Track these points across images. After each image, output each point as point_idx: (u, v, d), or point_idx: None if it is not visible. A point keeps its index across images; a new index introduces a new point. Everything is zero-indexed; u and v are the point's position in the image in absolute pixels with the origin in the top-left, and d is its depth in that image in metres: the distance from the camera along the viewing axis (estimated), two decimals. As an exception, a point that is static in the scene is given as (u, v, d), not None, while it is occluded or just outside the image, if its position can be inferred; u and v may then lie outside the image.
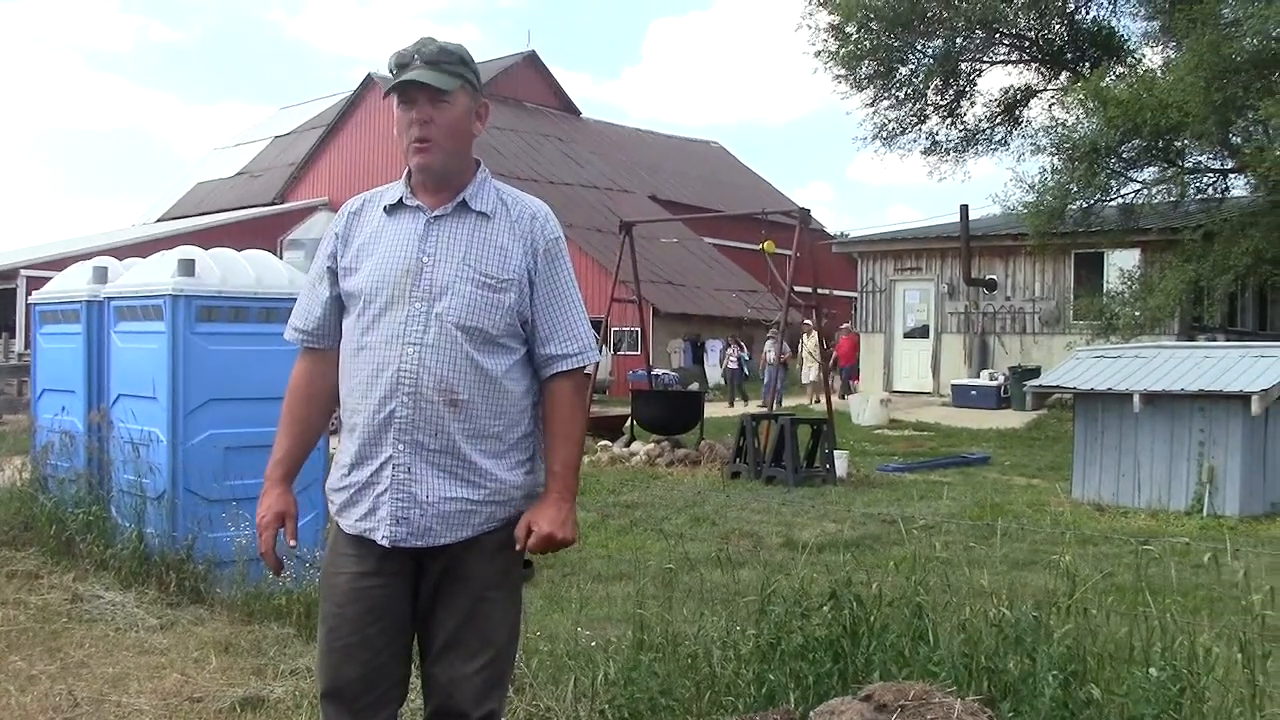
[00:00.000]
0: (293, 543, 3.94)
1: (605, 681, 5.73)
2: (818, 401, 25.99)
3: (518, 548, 3.77)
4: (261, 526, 3.94)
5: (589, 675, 5.89)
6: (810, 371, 33.16)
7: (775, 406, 22.83)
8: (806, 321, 34.39)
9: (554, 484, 3.81)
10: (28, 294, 20.13)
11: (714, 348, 38.14)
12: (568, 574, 10.22)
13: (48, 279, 12.76)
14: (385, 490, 3.74)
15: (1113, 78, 27.04)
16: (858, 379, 35.13)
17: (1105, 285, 28.65)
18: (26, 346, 26.66)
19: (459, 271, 3.74)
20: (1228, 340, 23.90)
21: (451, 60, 3.78)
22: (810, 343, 32.85)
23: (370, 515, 3.77)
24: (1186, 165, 26.08)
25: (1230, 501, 14.88)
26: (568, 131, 59.05)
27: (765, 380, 34.66)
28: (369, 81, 54.35)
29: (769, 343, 35.32)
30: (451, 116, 3.78)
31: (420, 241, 3.78)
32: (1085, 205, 26.56)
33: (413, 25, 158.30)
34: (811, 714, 4.00)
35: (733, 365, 37.34)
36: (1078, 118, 26.07)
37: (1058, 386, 17.14)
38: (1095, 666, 4.86)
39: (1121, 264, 28.15)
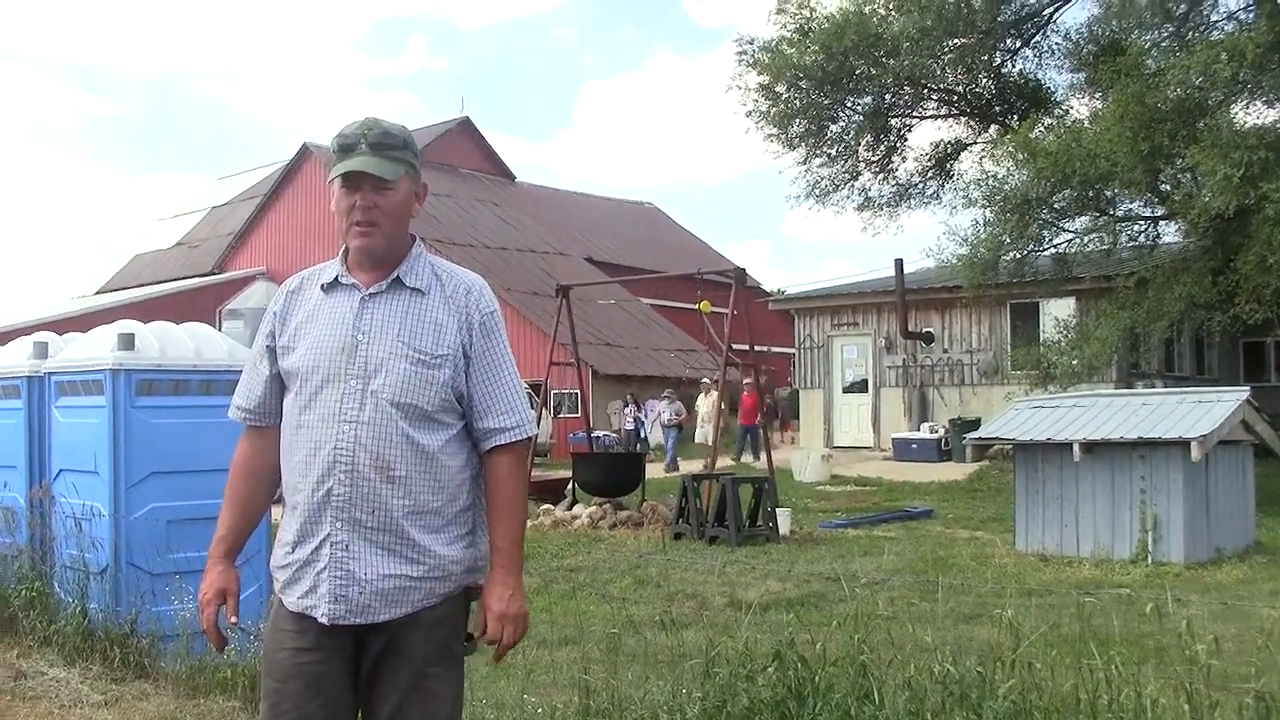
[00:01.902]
0: (234, 619, 3.95)
1: (553, 749, 5.72)
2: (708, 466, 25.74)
3: (475, 634, 3.79)
4: (204, 603, 3.96)
5: (537, 743, 5.88)
6: (707, 432, 32.92)
7: (672, 469, 22.65)
8: (705, 380, 34.41)
9: (498, 559, 3.83)
10: (-37, 371, 19.97)
11: (652, 408, 38.11)
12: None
13: (-14, 354, 12.66)
14: (324, 568, 3.75)
15: (1041, 129, 27.27)
16: (779, 433, 34.88)
17: (1042, 334, 28.82)
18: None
19: (393, 348, 3.77)
20: (1165, 386, 24.09)
21: (396, 145, 3.82)
22: (707, 403, 32.76)
23: (311, 593, 3.77)
24: (1118, 214, 26.22)
25: (1175, 549, 14.94)
26: (502, 196, 59.12)
27: (664, 443, 34.68)
28: (305, 151, 54.36)
29: (664, 402, 35.29)
30: (394, 201, 3.82)
31: (355, 319, 3.81)
32: (1019, 256, 26.68)
33: (348, 93, 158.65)
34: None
35: (629, 426, 37.37)
36: (1008, 169, 26.22)
37: (997, 438, 17.24)
38: (1041, 720, 4.88)
39: (1057, 313, 28.33)
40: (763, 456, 31.42)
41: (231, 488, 4.06)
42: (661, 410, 35.23)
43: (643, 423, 37.74)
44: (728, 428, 31.56)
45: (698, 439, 33.00)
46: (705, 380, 34.38)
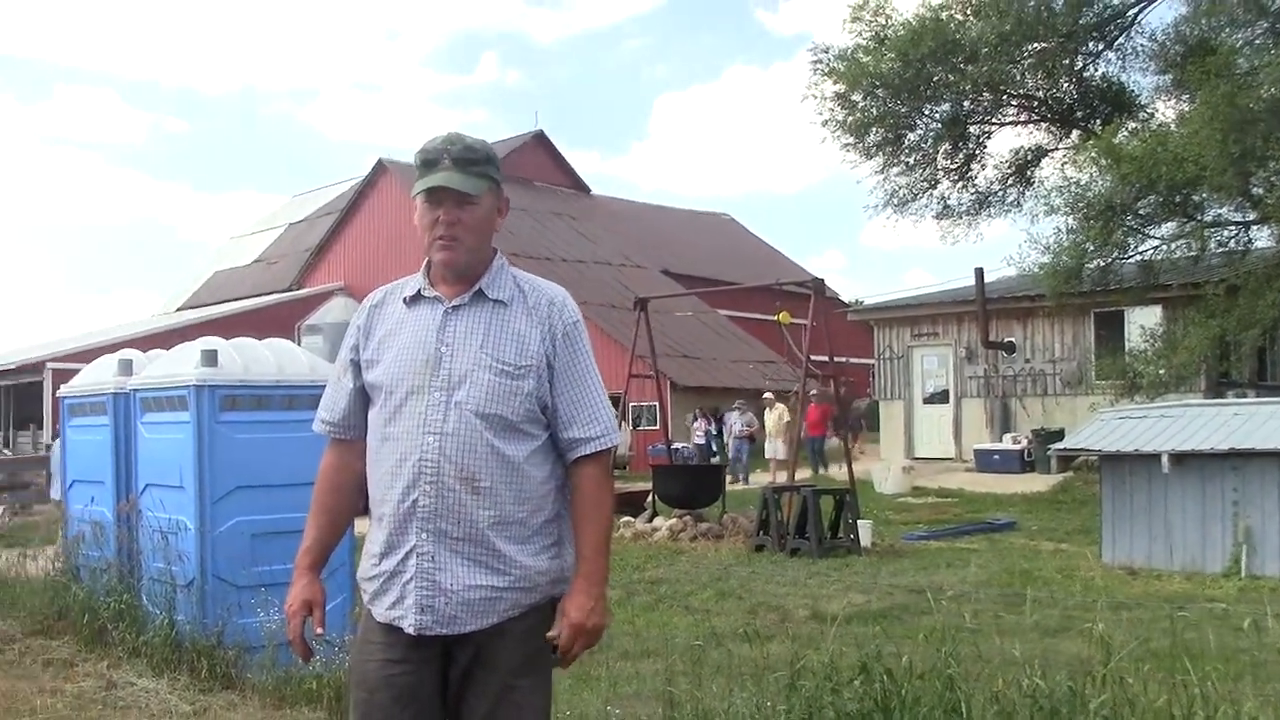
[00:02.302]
0: (319, 630, 3.96)
1: (638, 761, 5.69)
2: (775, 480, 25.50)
3: (551, 635, 3.78)
4: (290, 614, 3.98)
5: (621, 756, 5.85)
6: (775, 447, 32.77)
7: (743, 480, 22.52)
8: (767, 395, 34.22)
9: (582, 568, 3.82)
10: (54, 387, 20.25)
11: (727, 420, 37.96)
12: (595, 652, 10.13)
13: (73, 371, 12.89)
14: (411, 579, 3.75)
15: (1125, 134, 26.85)
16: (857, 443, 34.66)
17: (1127, 344, 28.40)
18: (54, 438, 26.82)
19: (477, 360, 3.77)
20: (1258, 395, 23.67)
21: (479, 160, 3.82)
22: (774, 415, 32.63)
23: (398, 604, 3.78)
24: (1206, 219, 25.82)
25: (1270, 562, 14.63)
26: (578, 209, 59.22)
27: (731, 454, 34.51)
28: (380, 167, 54.65)
29: (735, 414, 35.14)
30: (477, 217, 3.82)
31: (439, 332, 3.81)
32: (1103, 263, 26.38)
33: (422, 110, 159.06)
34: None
35: (699, 440, 37.26)
36: (1091, 176, 25.94)
37: (1083, 449, 17.05)
38: (1135, 736, 4.79)
39: (1143, 321, 27.89)
40: (831, 468, 31.37)
41: (316, 499, 4.09)
42: (733, 422, 35.11)
43: (714, 435, 37.62)
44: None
45: (767, 454, 32.80)
46: (768, 395, 34.20)
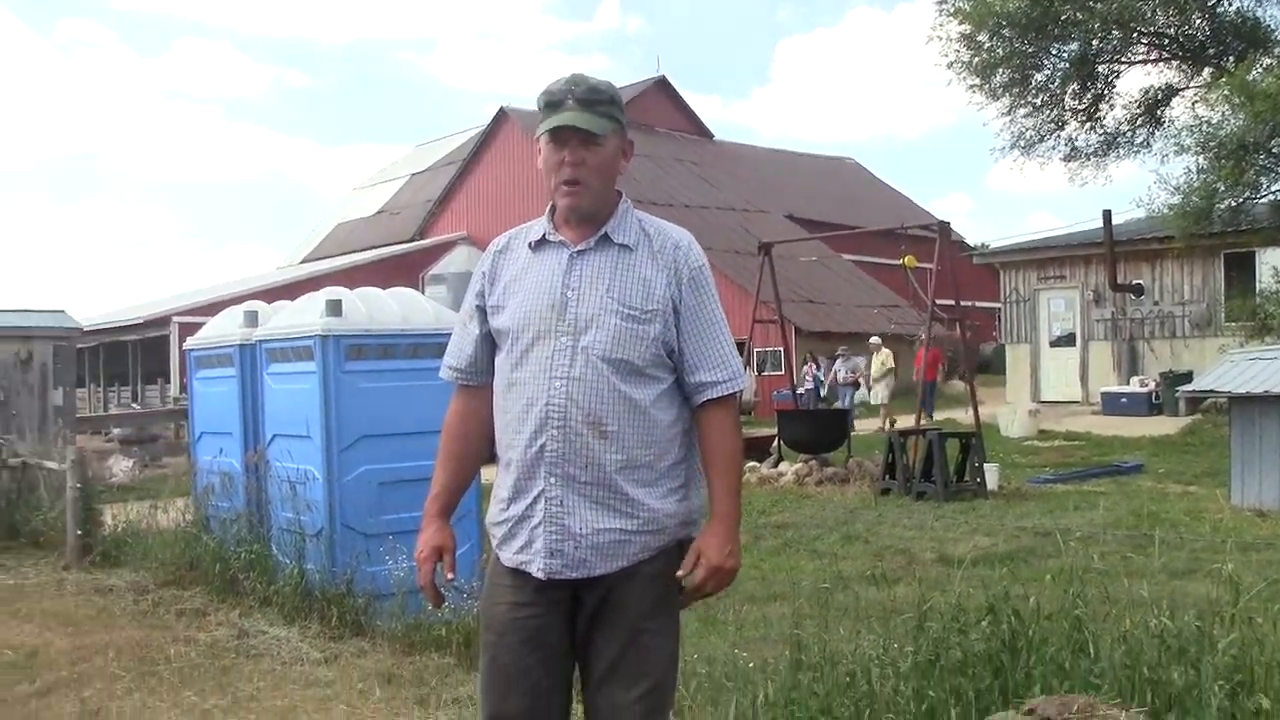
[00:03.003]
0: (450, 576, 4.00)
1: (765, 702, 5.73)
2: (892, 424, 25.25)
3: (681, 575, 3.78)
4: (420, 561, 4.02)
5: (748, 697, 5.89)
6: (879, 392, 32.55)
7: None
8: (873, 339, 33.96)
9: (717, 510, 3.82)
10: (180, 340, 20.62)
11: (855, 365, 37.68)
12: (723, 596, 10.19)
13: (199, 325, 13.09)
14: (539, 523, 3.79)
15: (1259, 71, 26.16)
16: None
17: (1258, 285, 27.92)
18: (182, 391, 27.21)
19: (603, 304, 3.78)
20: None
21: (603, 101, 3.81)
22: (877, 360, 32.39)
23: (527, 548, 3.82)
24: (1343, 157, 25.26)
25: (1398, 500, 14.34)
26: (700, 155, 59.10)
27: (840, 401, 34.34)
28: (502, 115, 54.87)
29: (839, 361, 34.92)
30: (602, 158, 3.82)
31: (564, 276, 3.83)
32: (1234, 204, 25.86)
33: (542, 58, 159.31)
34: (974, 730, 3.97)
35: (808, 385, 37.05)
36: (1223, 114, 25.33)
37: (1212, 391, 16.79)
38: (1264, 676, 4.75)
39: (1275, 262, 27.30)
40: (936, 414, 31.09)
41: (444, 446, 4.12)
42: (838, 368, 34.95)
43: (821, 381, 37.47)
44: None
45: (874, 399, 32.62)
46: (874, 339, 33.98)
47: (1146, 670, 4.85)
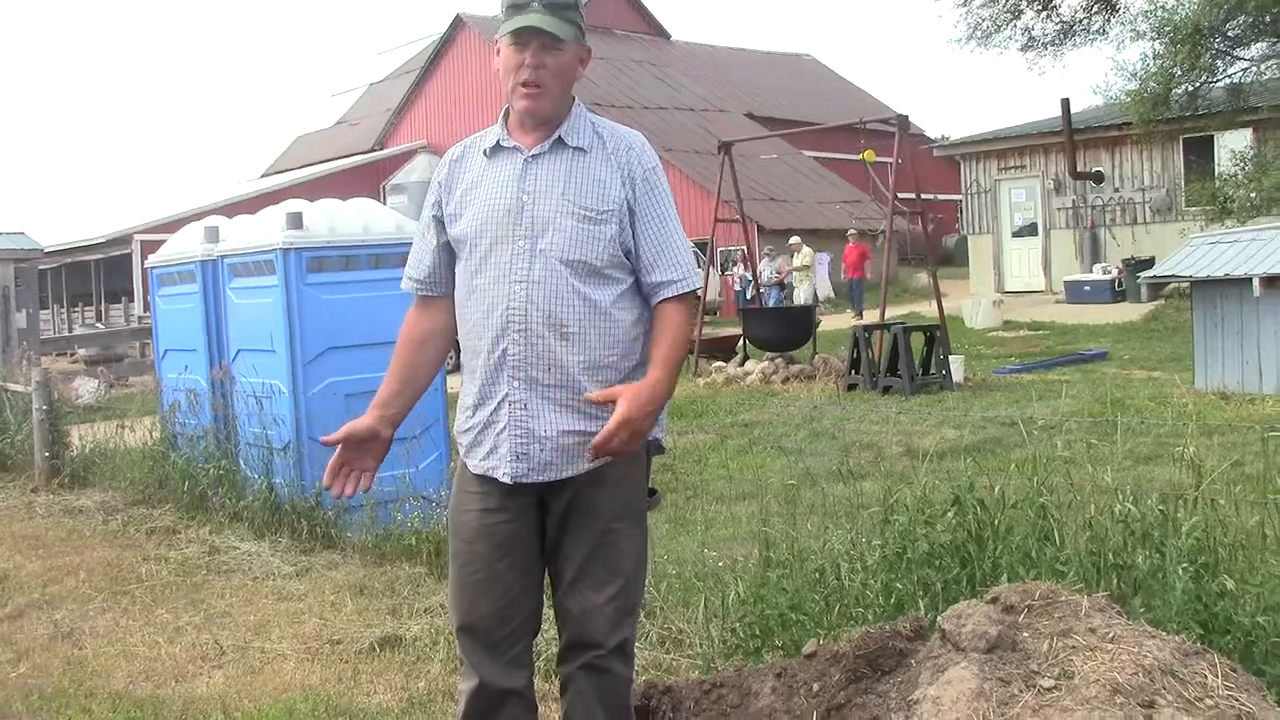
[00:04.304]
0: (326, 439, 4.00)
1: (735, 600, 5.79)
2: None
3: (597, 438, 3.67)
4: (325, 441, 4.03)
5: (719, 595, 5.95)
6: (801, 292, 32.62)
7: None
8: (794, 239, 33.98)
9: (650, 375, 3.75)
10: (143, 258, 20.47)
11: (821, 260, 37.64)
12: (691, 496, 10.26)
13: (160, 242, 12.99)
14: (504, 428, 3.81)
15: (1214, -49, 26.23)
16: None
17: (1217, 169, 27.90)
18: (145, 310, 27.09)
19: (559, 207, 3.78)
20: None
21: (568, 5, 3.78)
22: (799, 260, 32.47)
23: (492, 454, 3.84)
24: (1297, 38, 25.23)
25: (1361, 380, 14.46)
26: (659, 55, 58.64)
27: (765, 302, 34.33)
28: (458, 22, 54.30)
29: (764, 261, 34.90)
30: (562, 62, 3.80)
31: (519, 181, 3.82)
32: (1191, 88, 25.82)
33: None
34: (939, 619, 4.00)
35: (737, 287, 37.03)
36: (1177, -1, 25.40)
37: (1173, 275, 16.86)
38: (1227, 558, 4.80)
39: (1233, 145, 27.33)
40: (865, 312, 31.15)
41: (396, 356, 4.10)
42: (762, 269, 34.96)
43: (749, 280, 37.51)
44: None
45: (799, 299, 32.69)
46: (794, 239, 34.01)
47: (1112, 556, 4.89)
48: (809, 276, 32.88)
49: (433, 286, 4.08)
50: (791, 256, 33.92)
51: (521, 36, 3.76)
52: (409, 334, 4.11)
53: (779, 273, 34.44)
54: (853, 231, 35.20)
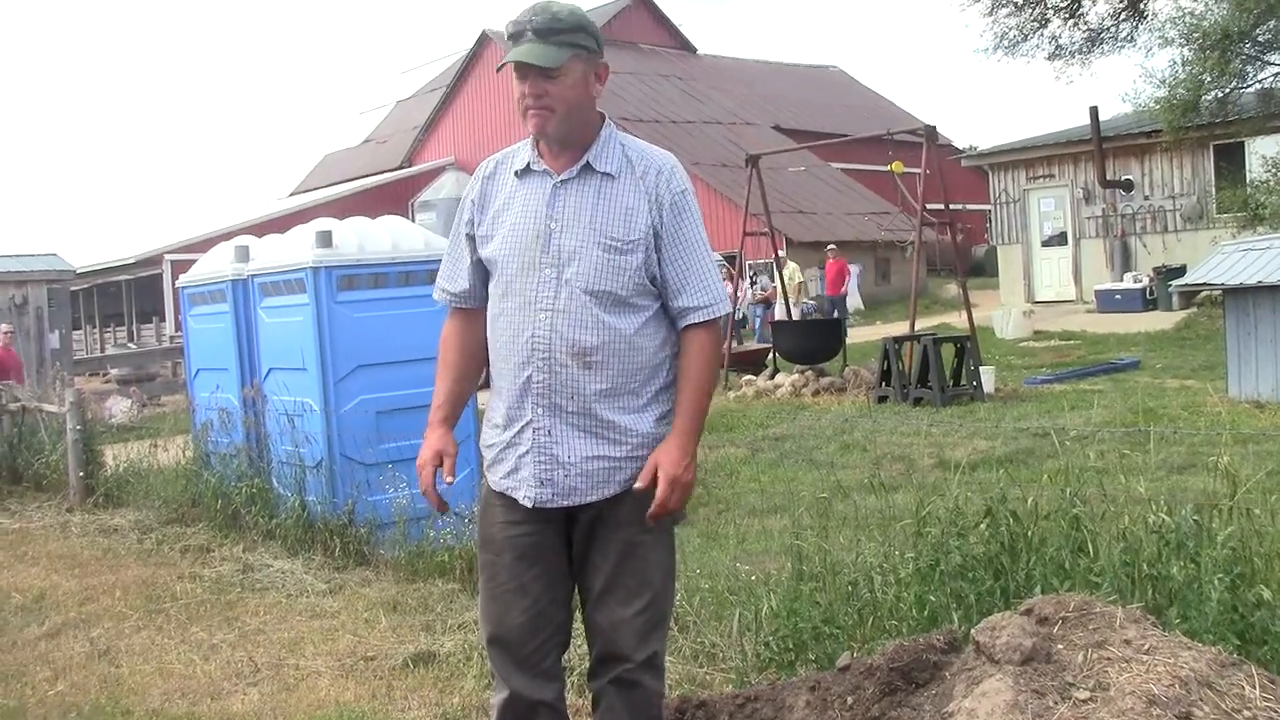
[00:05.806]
0: (449, 479, 4.03)
1: (769, 614, 5.78)
2: None
3: (639, 487, 3.77)
4: (420, 466, 4.06)
5: (751, 609, 5.94)
6: (796, 309, 32.46)
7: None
8: (781, 254, 33.87)
9: (678, 424, 3.84)
10: (173, 278, 20.59)
11: (853, 272, 37.44)
12: (723, 510, 10.26)
13: (190, 262, 13.05)
14: (527, 451, 3.84)
15: (1243, -42, 26.09)
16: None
17: (1248, 175, 27.77)
18: (177, 329, 27.18)
19: (586, 236, 3.80)
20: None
21: (564, 29, 3.78)
22: (787, 274, 32.39)
23: (513, 474, 3.88)
24: (1329, 42, 25.07)
25: (1394, 389, 14.32)
26: (685, 69, 58.61)
27: (752, 322, 34.10)
28: (484, 39, 54.37)
29: (747, 283, 34.68)
30: (564, 87, 3.80)
31: (548, 207, 3.85)
32: (1221, 94, 25.69)
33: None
34: (973, 631, 3.99)
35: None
36: (1206, 4, 25.23)
37: (1205, 284, 16.78)
38: (1263, 568, 4.78)
39: (1264, 151, 27.08)
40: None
41: (443, 359, 4.15)
42: (747, 287, 34.76)
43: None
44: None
45: (778, 315, 32.57)
46: (781, 254, 33.93)
47: (1146, 566, 4.87)
48: (803, 291, 32.53)
49: (467, 300, 4.12)
50: (771, 276, 33.74)
51: (519, 69, 3.81)
52: (452, 341, 4.16)
53: (764, 290, 34.23)
54: (832, 247, 34.96)
